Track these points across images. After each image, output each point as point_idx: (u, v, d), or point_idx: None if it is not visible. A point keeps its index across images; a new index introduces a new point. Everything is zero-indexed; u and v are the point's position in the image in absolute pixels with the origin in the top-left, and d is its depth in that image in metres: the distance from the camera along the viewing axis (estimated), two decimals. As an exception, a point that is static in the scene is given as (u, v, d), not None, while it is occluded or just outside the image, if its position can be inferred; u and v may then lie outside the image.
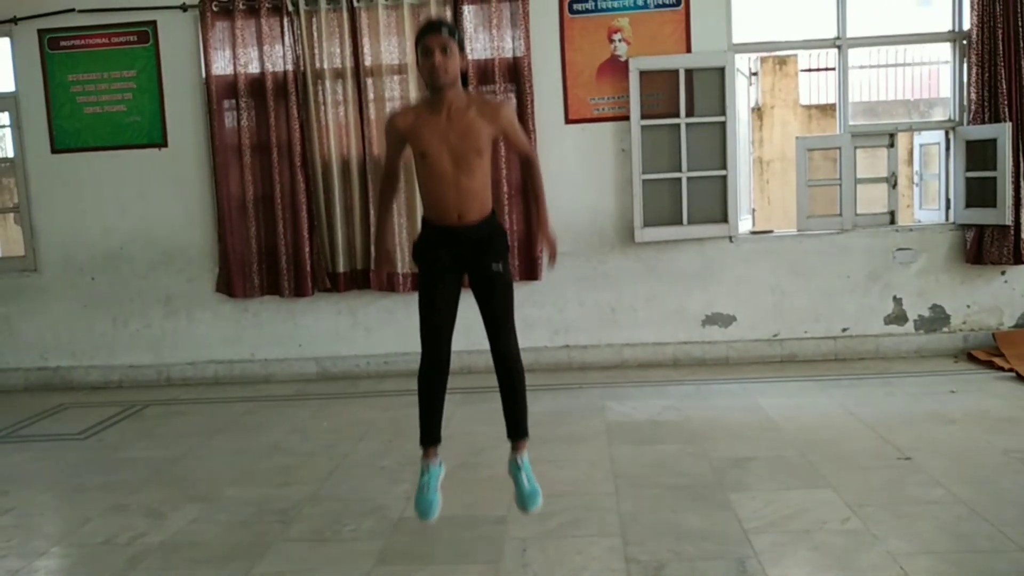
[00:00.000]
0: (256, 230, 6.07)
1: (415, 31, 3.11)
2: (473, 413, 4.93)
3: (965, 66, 5.86)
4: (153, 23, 6.08)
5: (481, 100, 3.20)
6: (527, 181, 3.37)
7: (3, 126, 10.00)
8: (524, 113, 5.82)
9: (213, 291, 6.24)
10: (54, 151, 6.24)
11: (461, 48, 3.06)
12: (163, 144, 6.17)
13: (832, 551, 3.05)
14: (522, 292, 5.90)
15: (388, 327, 6.12)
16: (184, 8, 6.02)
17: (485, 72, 5.84)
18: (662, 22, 5.86)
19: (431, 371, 3.16)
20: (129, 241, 6.27)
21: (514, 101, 5.85)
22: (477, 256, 3.14)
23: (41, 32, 6.14)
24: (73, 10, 6.09)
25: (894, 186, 6.16)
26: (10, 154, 6.54)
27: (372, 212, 5.88)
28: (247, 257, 6.10)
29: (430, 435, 3.21)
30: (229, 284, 6.13)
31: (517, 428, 3.26)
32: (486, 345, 3.23)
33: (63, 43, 6.14)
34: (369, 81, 5.89)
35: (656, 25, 5.86)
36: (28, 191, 6.31)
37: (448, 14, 5.79)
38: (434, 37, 3.00)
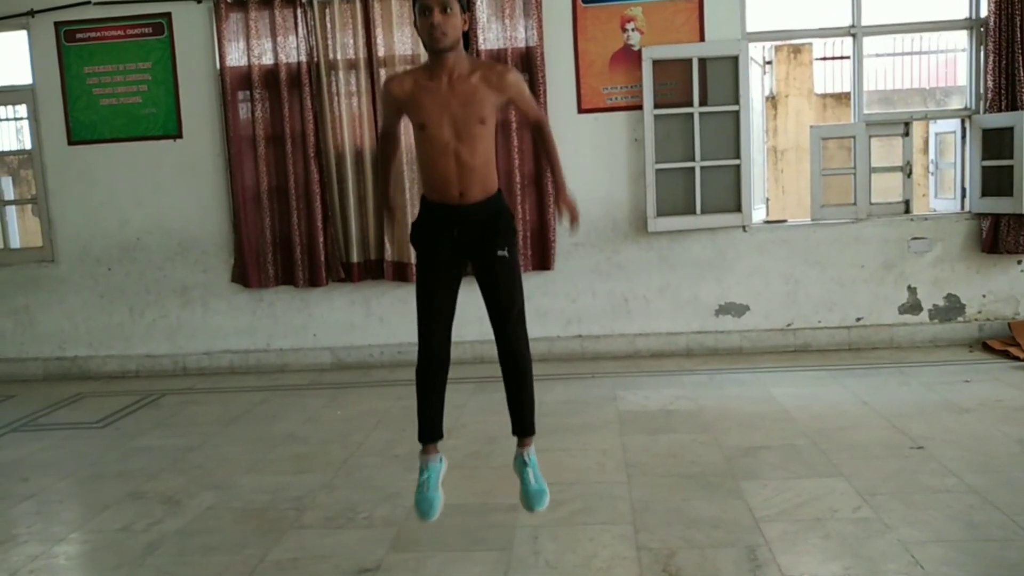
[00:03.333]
0: (271, 221, 6.11)
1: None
2: (485, 402, 4.95)
3: (982, 54, 5.81)
4: (168, 15, 6.12)
5: (486, 64, 2.93)
6: (539, 147, 3.11)
7: (21, 118, 10.12)
8: (537, 103, 5.80)
9: (228, 281, 6.29)
10: (71, 143, 6.29)
11: (464, 7, 2.79)
12: (178, 135, 6.22)
13: (843, 539, 3.05)
14: (535, 282, 5.96)
15: (401, 317, 6.14)
16: (198, 0, 6.05)
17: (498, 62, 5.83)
18: (675, 11, 5.83)
19: (429, 363, 2.94)
20: (145, 232, 6.33)
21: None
22: (481, 239, 2.90)
23: (57, 25, 6.18)
24: (89, 2, 6.13)
25: (909, 175, 6.11)
26: (28, 146, 6.60)
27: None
28: (262, 248, 6.14)
29: (430, 431, 3.00)
30: (244, 274, 6.17)
31: (524, 425, 3.05)
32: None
33: (79, 35, 6.19)
34: (382, 72, 5.89)
35: (669, 14, 5.84)
36: (45, 183, 6.37)
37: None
38: None
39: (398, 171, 3.01)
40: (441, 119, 2.82)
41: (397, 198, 2.95)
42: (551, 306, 6.07)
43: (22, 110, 7.39)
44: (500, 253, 2.90)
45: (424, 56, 5.79)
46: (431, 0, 2.73)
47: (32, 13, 6.18)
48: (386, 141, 3.15)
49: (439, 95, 2.81)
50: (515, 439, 3.12)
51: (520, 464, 3.07)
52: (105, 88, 6.22)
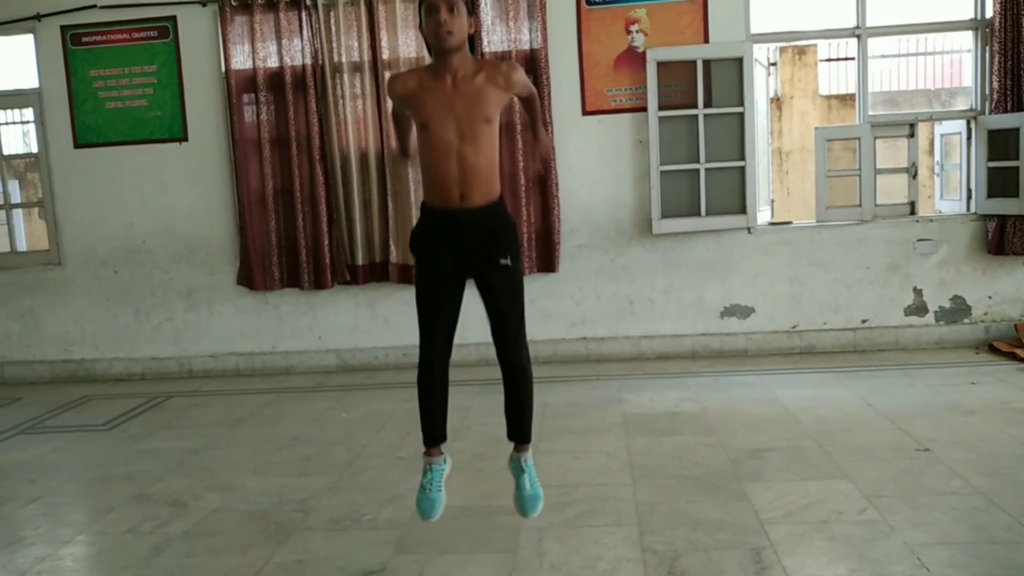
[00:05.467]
0: (276, 223, 6.12)
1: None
2: (490, 404, 4.94)
3: (987, 54, 5.80)
4: (173, 18, 6.14)
5: (491, 63, 2.85)
6: (527, 109, 3.13)
7: (27, 122, 10.16)
8: (541, 105, 5.81)
9: (234, 284, 6.30)
10: (77, 146, 6.31)
11: (470, 10, 2.78)
12: (184, 138, 6.23)
13: (848, 542, 3.05)
14: (539, 284, 5.96)
15: (406, 319, 6.13)
16: (203, 3, 6.07)
17: (502, 64, 5.84)
18: (680, 12, 5.83)
19: (428, 373, 2.90)
20: (151, 235, 6.34)
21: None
22: (482, 248, 2.84)
23: (64, 28, 6.21)
24: (95, 6, 6.15)
25: (914, 176, 6.11)
26: (34, 149, 6.62)
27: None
28: (267, 250, 6.15)
29: (433, 435, 2.97)
30: (250, 277, 6.19)
31: (520, 432, 3.02)
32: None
33: (85, 39, 6.21)
34: (387, 74, 5.91)
35: (674, 16, 5.84)
36: (52, 186, 6.39)
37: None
38: None
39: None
40: (445, 119, 2.77)
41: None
42: (555, 308, 6.07)
43: (28, 113, 7.42)
44: (503, 262, 2.85)
45: (428, 59, 5.83)
46: (438, 0, 2.71)
47: (39, 17, 6.21)
48: (397, 121, 3.12)
49: (443, 95, 2.77)
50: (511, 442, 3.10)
51: (516, 467, 3.04)
52: (111, 91, 6.24)
